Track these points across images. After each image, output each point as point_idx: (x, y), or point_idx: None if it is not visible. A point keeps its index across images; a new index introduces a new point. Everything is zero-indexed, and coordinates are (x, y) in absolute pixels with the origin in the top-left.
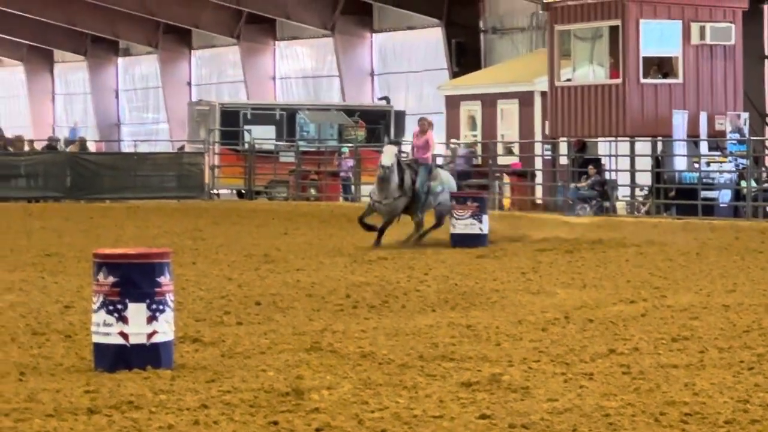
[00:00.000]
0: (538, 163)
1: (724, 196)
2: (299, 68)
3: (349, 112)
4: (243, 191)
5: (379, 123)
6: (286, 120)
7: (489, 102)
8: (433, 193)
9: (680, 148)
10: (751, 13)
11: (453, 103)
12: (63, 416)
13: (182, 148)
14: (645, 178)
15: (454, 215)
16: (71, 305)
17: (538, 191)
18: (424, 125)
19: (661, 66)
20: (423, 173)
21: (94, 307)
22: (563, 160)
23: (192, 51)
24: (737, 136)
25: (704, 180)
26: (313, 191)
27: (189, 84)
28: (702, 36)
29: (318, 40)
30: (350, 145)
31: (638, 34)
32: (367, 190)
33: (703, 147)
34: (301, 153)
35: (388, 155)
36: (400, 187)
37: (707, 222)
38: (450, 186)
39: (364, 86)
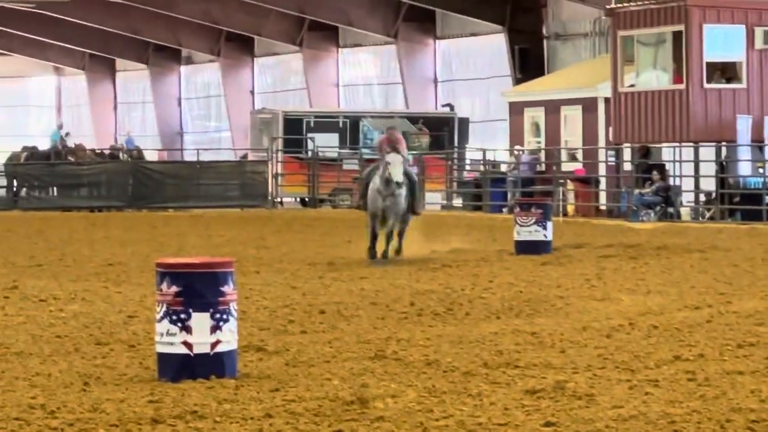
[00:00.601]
0: (602, 169)
1: None
2: (362, 75)
3: (413, 119)
4: (306, 199)
5: (442, 130)
6: (350, 127)
7: (552, 108)
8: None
9: (744, 153)
10: None
11: (517, 109)
12: (127, 426)
13: (245, 156)
14: (709, 184)
15: (518, 222)
16: (135, 315)
17: (602, 197)
18: (394, 134)
19: (725, 71)
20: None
21: (158, 316)
22: (627, 166)
23: (254, 59)
24: None
25: None
26: None
27: (251, 92)
28: (766, 40)
29: (381, 47)
30: (414, 152)
31: (701, 39)
32: (432, 197)
33: None
34: (364, 160)
35: (398, 168)
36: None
37: None
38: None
39: (427, 93)
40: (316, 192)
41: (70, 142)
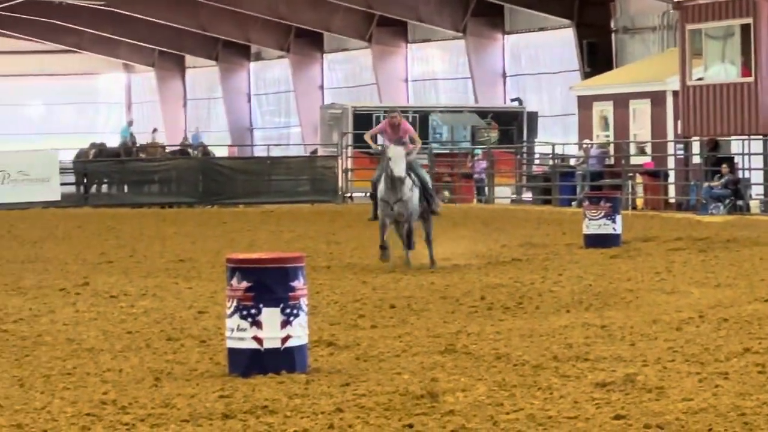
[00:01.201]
0: (671, 162)
1: None
2: (431, 70)
3: (482, 113)
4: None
5: (511, 124)
6: (419, 122)
7: (621, 102)
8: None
9: None
10: None
11: (585, 103)
12: (198, 421)
13: (315, 151)
14: None
15: (588, 215)
16: (205, 310)
17: (671, 191)
18: (396, 118)
19: None
20: (416, 161)
21: (228, 312)
22: (696, 159)
23: (324, 54)
24: None
25: None
26: (446, 193)
27: (321, 88)
28: None
29: (450, 42)
30: (483, 146)
31: None
32: (501, 191)
33: None
34: (434, 155)
35: (399, 162)
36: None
37: None
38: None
39: (496, 88)
40: None
41: (140, 140)
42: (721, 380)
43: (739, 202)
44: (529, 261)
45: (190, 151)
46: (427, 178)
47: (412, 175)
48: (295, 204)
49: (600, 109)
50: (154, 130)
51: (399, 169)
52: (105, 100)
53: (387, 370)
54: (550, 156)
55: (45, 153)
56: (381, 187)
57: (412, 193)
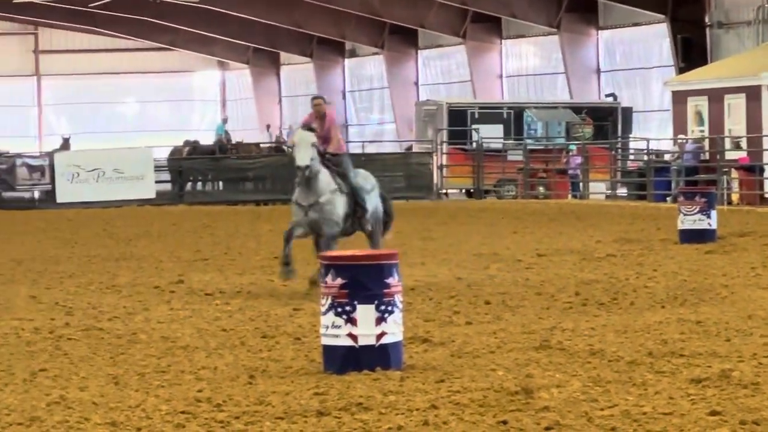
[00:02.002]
0: (766, 157)
1: None
2: (525, 66)
3: (576, 109)
4: (471, 190)
5: (606, 120)
6: (514, 118)
7: (716, 97)
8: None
9: None
10: None
11: (680, 98)
12: (293, 419)
13: (410, 148)
14: None
15: (683, 211)
16: (300, 308)
17: (767, 185)
18: (321, 106)
19: None
20: (347, 162)
21: (323, 309)
22: None
23: (418, 51)
24: None
25: None
26: (541, 189)
27: (416, 84)
28: None
29: (543, 38)
30: (578, 142)
31: None
32: (596, 187)
33: None
34: (529, 151)
35: (303, 149)
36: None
37: None
38: (374, 186)
39: (590, 83)
40: (481, 183)
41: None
42: None
43: None
44: (624, 257)
45: (285, 148)
46: (369, 193)
47: (337, 178)
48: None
49: (695, 104)
50: (268, 127)
51: (301, 156)
52: (200, 97)
53: (481, 367)
54: (645, 151)
55: (140, 151)
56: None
57: (332, 197)
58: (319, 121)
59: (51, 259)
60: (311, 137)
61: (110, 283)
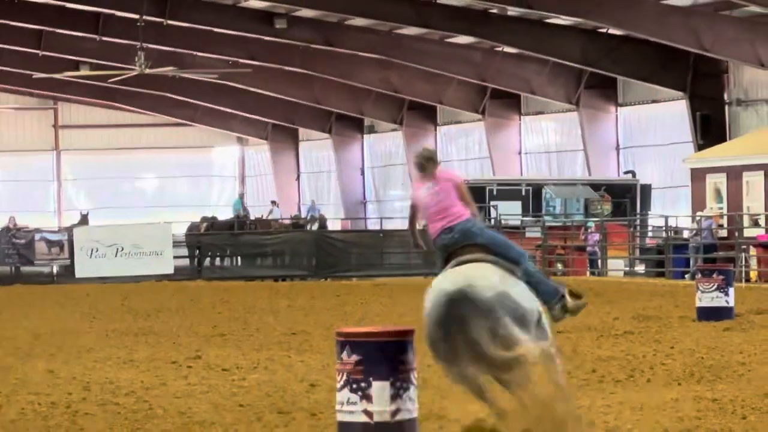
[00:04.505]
0: None
1: None
2: (544, 143)
3: (595, 186)
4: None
5: (625, 197)
6: (532, 195)
7: (734, 174)
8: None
9: None
10: None
11: (698, 175)
12: None
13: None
14: None
15: (700, 288)
16: (317, 383)
17: None
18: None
19: None
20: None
21: (339, 385)
22: None
23: (437, 127)
24: None
25: None
26: (559, 266)
27: None
28: None
29: (563, 114)
30: (596, 219)
31: None
32: (614, 264)
33: None
34: (547, 228)
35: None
36: None
37: None
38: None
39: (609, 160)
40: None
41: (255, 213)
42: None
43: None
44: (641, 333)
45: (308, 225)
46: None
47: None
48: (408, 277)
49: (713, 181)
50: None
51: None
52: (218, 173)
53: None
54: (663, 228)
55: (158, 226)
56: None
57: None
58: (427, 179)
59: (69, 333)
60: None
61: (128, 357)
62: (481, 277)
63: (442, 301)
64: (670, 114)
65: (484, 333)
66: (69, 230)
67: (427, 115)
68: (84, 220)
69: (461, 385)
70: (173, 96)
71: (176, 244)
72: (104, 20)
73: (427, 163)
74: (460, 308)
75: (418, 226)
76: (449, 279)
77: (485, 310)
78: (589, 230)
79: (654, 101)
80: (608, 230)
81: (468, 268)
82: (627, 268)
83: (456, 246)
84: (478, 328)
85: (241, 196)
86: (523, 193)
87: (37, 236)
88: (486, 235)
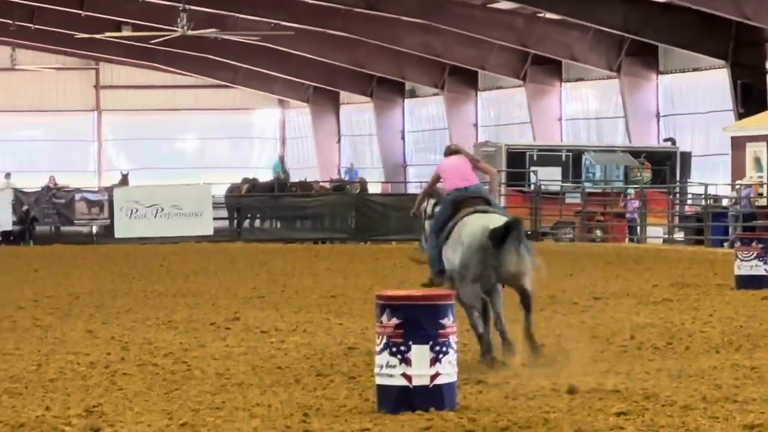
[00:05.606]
0: None
1: None
2: (584, 109)
3: (635, 153)
4: (529, 232)
5: (664, 164)
6: (572, 161)
7: None
8: None
9: None
10: None
11: (738, 144)
12: None
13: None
14: None
15: (739, 256)
16: (355, 347)
17: None
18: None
19: None
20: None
21: (378, 348)
22: None
23: (478, 92)
24: None
25: None
26: (598, 232)
27: (475, 125)
28: None
29: (603, 81)
30: (636, 186)
31: None
32: (653, 231)
33: None
34: (587, 194)
35: None
36: None
37: None
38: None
39: (649, 127)
40: (539, 225)
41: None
42: None
43: None
44: (680, 301)
45: (348, 187)
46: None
47: None
48: None
49: (753, 149)
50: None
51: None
52: (259, 135)
53: (535, 409)
54: (703, 196)
55: (198, 187)
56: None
57: None
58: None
59: (108, 294)
60: None
61: (167, 318)
62: (504, 218)
63: (484, 232)
64: (710, 82)
65: (513, 253)
66: (109, 190)
67: (468, 80)
68: (124, 180)
69: (471, 305)
70: (215, 58)
71: (216, 205)
72: None
73: (453, 151)
74: (498, 236)
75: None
76: (484, 220)
77: (516, 239)
78: (629, 197)
79: (695, 69)
80: (648, 197)
81: (492, 215)
82: (666, 236)
83: (466, 198)
84: (507, 252)
85: (282, 159)
86: (563, 159)
87: (77, 196)
88: (487, 195)
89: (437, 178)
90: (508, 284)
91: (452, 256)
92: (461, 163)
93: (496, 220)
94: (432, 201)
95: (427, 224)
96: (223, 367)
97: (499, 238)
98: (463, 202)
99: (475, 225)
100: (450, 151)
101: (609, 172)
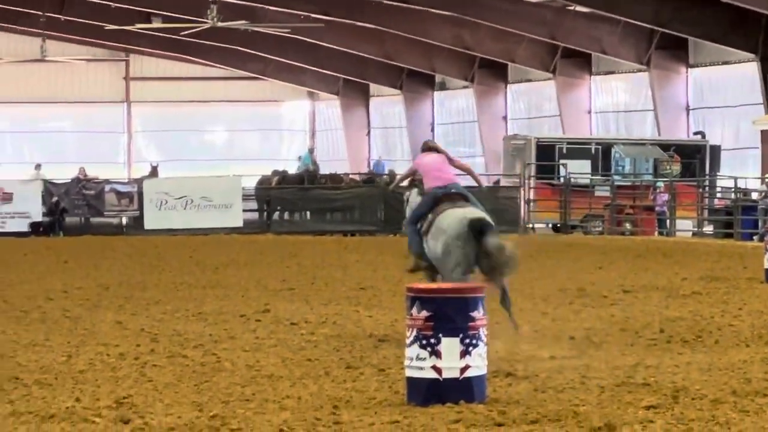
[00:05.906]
0: None
1: None
2: (614, 102)
3: (664, 146)
4: (558, 225)
5: (694, 158)
6: (602, 154)
7: None
8: None
9: None
10: None
11: None
12: None
13: (497, 181)
14: None
15: None
16: (385, 339)
17: None
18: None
19: None
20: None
21: (408, 341)
22: None
23: (507, 85)
24: None
25: None
26: (628, 226)
27: (504, 118)
28: None
29: (633, 74)
30: (665, 179)
31: None
32: (683, 224)
33: None
34: (616, 187)
35: None
36: None
37: None
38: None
39: (678, 121)
40: (568, 218)
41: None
42: None
43: None
44: (709, 294)
45: (378, 179)
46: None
47: None
48: None
49: None
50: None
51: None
52: (288, 127)
53: (565, 402)
54: (732, 190)
55: (228, 179)
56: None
57: None
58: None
59: (138, 286)
60: None
61: (196, 310)
62: (481, 211)
63: (463, 222)
64: (740, 76)
65: (492, 239)
66: (139, 182)
67: (498, 72)
68: (154, 172)
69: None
70: (244, 49)
71: (246, 197)
72: None
73: (430, 148)
74: (477, 227)
75: (404, 183)
76: (462, 212)
77: (491, 228)
78: (658, 190)
79: (725, 63)
80: (677, 191)
81: (469, 208)
82: (695, 229)
83: (445, 194)
84: (487, 238)
85: (311, 151)
86: (593, 152)
87: (107, 187)
88: (465, 192)
89: (413, 172)
90: (487, 277)
91: (434, 244)
92: (438, 160)
93: (475, 212)
94: (415, 190)
95: (408, 211)
96: (253, 359)
97: (478, 230)
98: (443, 197)
99: (454, 215)
100: (427, 147)
101: (638, 165)
